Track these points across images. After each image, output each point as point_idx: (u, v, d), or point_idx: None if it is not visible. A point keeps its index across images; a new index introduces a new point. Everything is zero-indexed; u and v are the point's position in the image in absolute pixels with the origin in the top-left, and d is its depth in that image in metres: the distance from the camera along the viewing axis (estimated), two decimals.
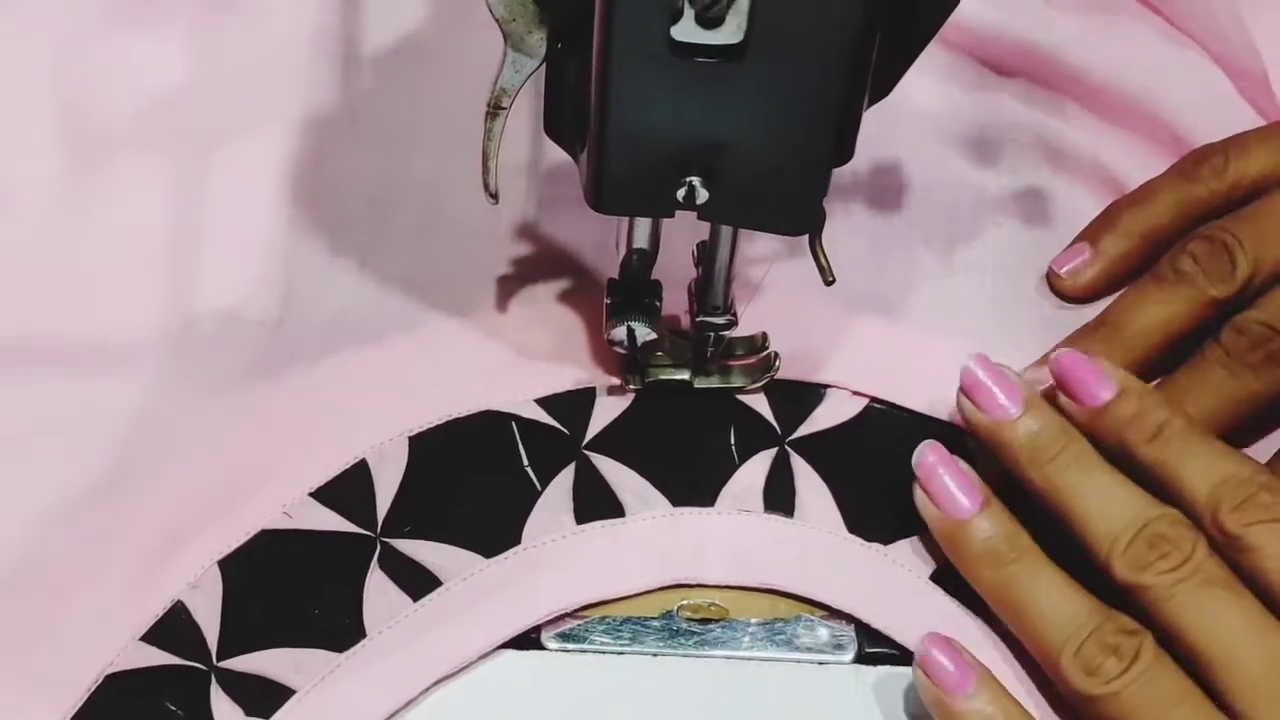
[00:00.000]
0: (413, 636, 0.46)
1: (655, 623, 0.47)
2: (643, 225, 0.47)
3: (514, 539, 0.48)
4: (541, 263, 0.53)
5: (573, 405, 0.51)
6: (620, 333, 0.49)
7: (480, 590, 0.47)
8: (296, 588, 0.47)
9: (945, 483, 0.47)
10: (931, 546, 0.48)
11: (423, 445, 0.50)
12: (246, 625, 0.47)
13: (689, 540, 0.48)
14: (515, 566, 0.48)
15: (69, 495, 0.48)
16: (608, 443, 0.50)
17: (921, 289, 0.54)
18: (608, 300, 0.49)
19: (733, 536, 0.49)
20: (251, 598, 0.47)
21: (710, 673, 0.47)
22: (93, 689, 0.45)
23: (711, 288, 0.48)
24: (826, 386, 0.51)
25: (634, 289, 0.49)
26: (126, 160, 0.55)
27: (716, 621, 0.47)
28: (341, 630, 0.47)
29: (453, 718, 0.46)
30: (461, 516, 0.48)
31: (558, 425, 0.50)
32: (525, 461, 0.49)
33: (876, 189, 0.55)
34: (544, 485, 0.49)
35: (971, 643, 0.46)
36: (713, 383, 0.51)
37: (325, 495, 0.49)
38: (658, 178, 0.43)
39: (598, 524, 0.49)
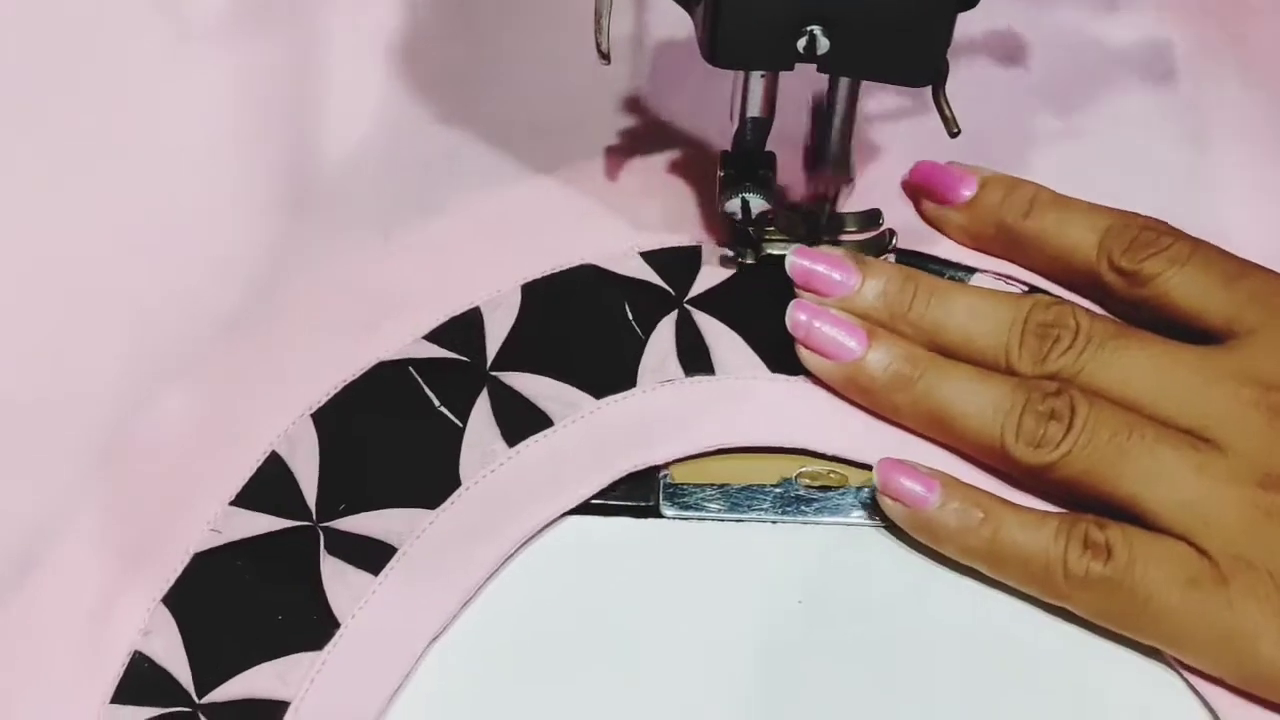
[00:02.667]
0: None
1: (773, 490, 0.47)
2: (757, 91, 0.46)
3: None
4: (652, 134, 0.53)
5: (677, 262, 0.50)
6: (734, 205, 0.48)
7: (597, 428, 0.47)
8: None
9: (825, 333, 0.47)
10: None
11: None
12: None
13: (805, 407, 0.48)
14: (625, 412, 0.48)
15: None
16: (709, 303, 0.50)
17: (1045, 152, 0.52)
18: (721, 172, 0.48)
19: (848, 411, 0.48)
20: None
21: (827, 539, 0.47)
22: None
23: (829, 142, 0.47)
24: (950, 265, 0.50)
25: (748, 160, 0.48)
26: None
27: (836, 489, 0.47)
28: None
29: (571, 584, 0.46)
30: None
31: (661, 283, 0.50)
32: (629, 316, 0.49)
33: (995, 43, 0.55)
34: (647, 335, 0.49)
35: None
36: None
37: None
38: (777, 26, 0.41)
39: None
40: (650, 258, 0.51)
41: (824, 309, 0.47)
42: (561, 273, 0.50)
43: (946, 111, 0.44)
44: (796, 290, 0.48)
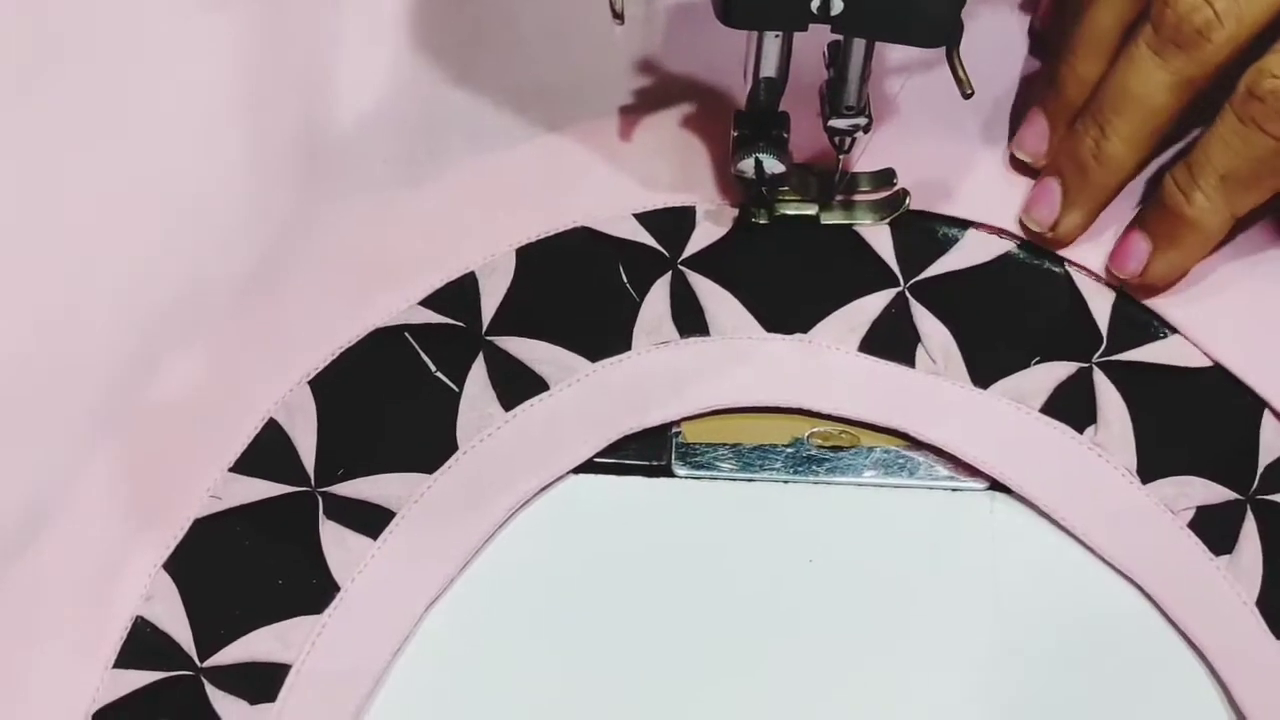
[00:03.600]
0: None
1: (784, 449, 0.47)
2: (771, 52, 0.46)
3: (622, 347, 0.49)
4: (666, 93, 0.53)
5: (671, 223, 0.50)
6: (748, 165, 0.48)
7: (590, 393, 0.47)
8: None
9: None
10: None
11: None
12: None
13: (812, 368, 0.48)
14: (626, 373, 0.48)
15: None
16: (703, 263, 0.50)
17: None
18: (735, 132, 0.48)
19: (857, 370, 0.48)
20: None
21: (839, 499, 0.47)
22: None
23: (845, 86, 0.47)
24: (967, 224, 0.51)
25: (762, 120, 0.48)
26: None
27: (847, 449, 0.47)
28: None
29: (581, 542, 0.46)
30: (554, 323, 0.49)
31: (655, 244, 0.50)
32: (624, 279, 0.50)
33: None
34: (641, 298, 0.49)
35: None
36: (840, 218, 0.50)
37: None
38: None
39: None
40: (644, 219, 0.51)
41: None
42: (555, 236, 0.50)
43: (960, 73, 0.44)
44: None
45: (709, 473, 0.47)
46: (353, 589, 0.45)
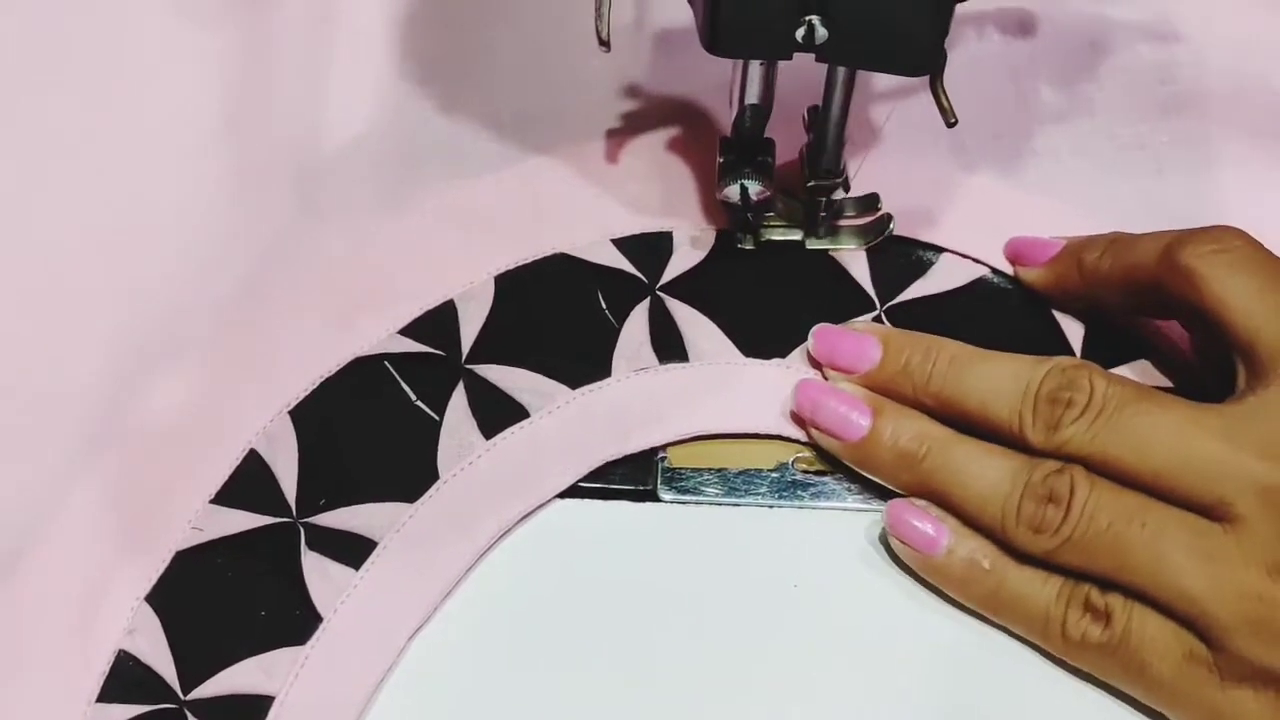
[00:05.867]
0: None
1: (769, 474, 0.47)
2: (755, 79, 0.46)
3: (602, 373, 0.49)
4: (651, 118, 0.53)
5: (649, 248, 0.51)
6: (733, 191, 0.48)
7: (570, 421, 0.48)
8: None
9: (832, 410, 0.47)
10: None
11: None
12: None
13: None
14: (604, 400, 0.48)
15: None
16: (681, 289, 0.50)
17: (1039, 142, 0.53)
18: (721, 158, 0.48)
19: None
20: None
21: (823, 524, 0.47)
22: None
23: (824, 151, 0.47)
24: (940, 250, 0.51)
25: (747, 146, 0.48)
26: None
27: (832, 474, 0.47)
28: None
29: (567, 567, 0.46)
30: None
31: (633, 270, 0.50)
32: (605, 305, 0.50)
33: (996, 31, 0.55)
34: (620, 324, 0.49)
35: None
36: (825, 244, 0.51)
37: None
38: (776, 15, 0.42)
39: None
40: (622, 245, 0.51)
41: (832, 387, 0.47)
42: (533, 263, 0.51)
43: (944, 102, 0.44)
44: (824, 370, 0.48)
45: (694, 497, 0.47)
46: (335, 619, 0.45)
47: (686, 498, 0.47)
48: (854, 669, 0.45)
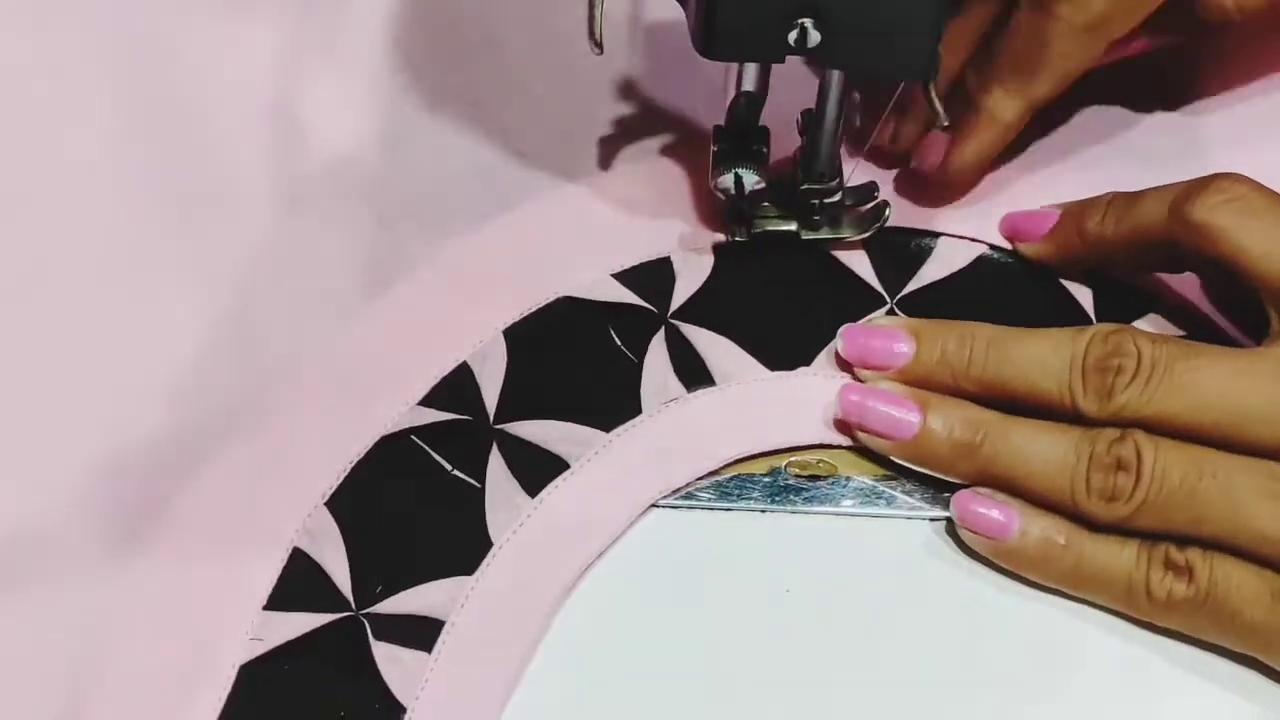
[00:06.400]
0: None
1: (762, 479, 0.47)
2: (751, 67, 0.45)
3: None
4: (644, 121, 0.53)
5: (651, 277, 0.50)
6: (727, 180, 0.47)
7: (613, 462, 0.47)
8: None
9: (880, 413, 0.46)
10: None
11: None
12: (377, 565, 0.45)
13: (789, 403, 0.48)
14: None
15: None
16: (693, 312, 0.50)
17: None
18: (714, 147, 0.47)
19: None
20: (375, 531, 0.46)
21: (816, 528, 0.47)
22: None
23: (818, 154, 0.47)
24: (937, 235, 0.51)
25: (741, 135, 0.47)
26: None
27: (824, 478, 0.47)
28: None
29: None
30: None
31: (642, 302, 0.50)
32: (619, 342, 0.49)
33: None
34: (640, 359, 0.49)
35: None
36: (821, 234, 0.50)
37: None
38: (769, 20, 0.41)
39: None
40: (624, 278, 0.50)
41: (874, 388, 0.47)
42: (538, 311, 0.50)
43: (936, 104, 0.44)
44: (855, 371, 0.48)
45: (687, 502, 0.47)
46: (418, 707, 0.44)
47: (679, 502, 0.47)
48: (846, 674, 0.45)
